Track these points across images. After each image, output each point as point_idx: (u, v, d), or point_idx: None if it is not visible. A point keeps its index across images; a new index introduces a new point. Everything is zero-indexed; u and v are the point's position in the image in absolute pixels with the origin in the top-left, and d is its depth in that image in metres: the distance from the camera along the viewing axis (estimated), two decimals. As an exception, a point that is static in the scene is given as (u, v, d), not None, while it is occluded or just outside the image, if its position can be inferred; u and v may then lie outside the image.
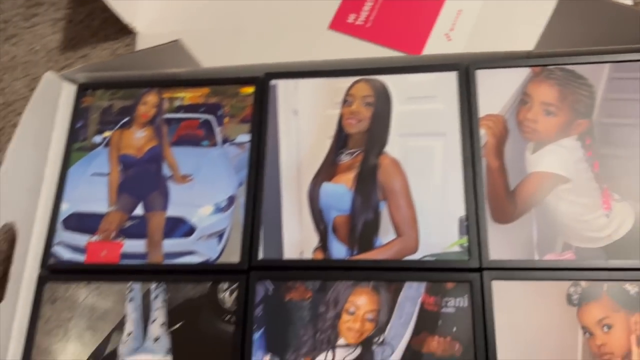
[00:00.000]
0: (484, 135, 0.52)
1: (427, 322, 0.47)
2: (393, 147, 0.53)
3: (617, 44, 0.52)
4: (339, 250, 0.51)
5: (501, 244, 0.49)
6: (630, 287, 0.46)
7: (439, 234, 0.50)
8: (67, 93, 0.61)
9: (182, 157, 0.56)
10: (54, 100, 0.59)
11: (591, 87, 0.52)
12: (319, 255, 0.51)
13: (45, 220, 0.56)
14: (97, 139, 0.59)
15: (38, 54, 0.81)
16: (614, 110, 0.51)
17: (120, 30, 0.79)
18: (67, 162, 0.58)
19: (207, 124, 0.57)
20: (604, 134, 0.50)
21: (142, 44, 0.74)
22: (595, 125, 0.51)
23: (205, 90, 0.59)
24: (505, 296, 0.47)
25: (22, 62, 0.81)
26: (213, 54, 0.65)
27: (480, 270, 0.48)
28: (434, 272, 0.49)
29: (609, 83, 0.52)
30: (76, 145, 0.59)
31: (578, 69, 0.53)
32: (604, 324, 0.45)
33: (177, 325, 0.50)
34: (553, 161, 0.50)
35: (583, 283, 0.46)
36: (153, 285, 0.52)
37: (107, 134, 0.59)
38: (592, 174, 0.49)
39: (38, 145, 0.57)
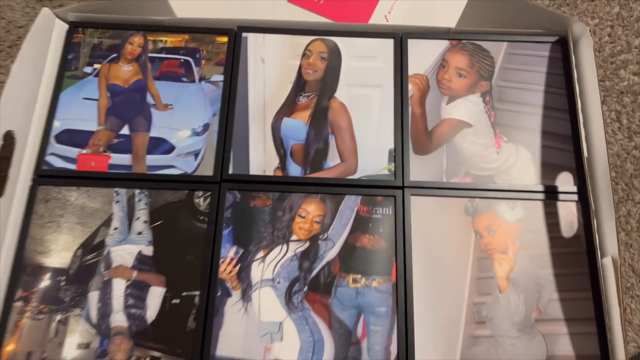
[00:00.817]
0: (411, 89, 0.67)
1: (360, 225, 0.61)
2: (341, 94, 0.67)
3: (513, 28, 0.69)
4: (294, 170, 0.64)
5: (419, 169, 0.63)
6: (511, 204, 0.62)
7: (373, 160, 0.64)
8: (60, 29, 0.69)
9: (164, 90, 0.67)
10: (48, 32, 0.67)
11: (492, 58, 0.68)
12: (279, 173, 0.63)
13: (38, 134, 0.64)
14: (88, 69, 0.67)
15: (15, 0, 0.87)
16: (508, 77, 0.67)
17: (97, -16, 0.87)
18: (59, 86, 0.66)
19: (186, 64, 0.68)
20: (499, 94, 0.67)
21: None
22: (494, 87, 0.67)
23: (185, 36, 0.70)
24: (420, 207, 0.62)
25: (-2, 4, 0.87)
26: (187, 8, 0.75)
27: (402, 188, 0.63)
28: (368, 188, 0.63)
29: (506, 56, 0.68)
30: (68, 73, 0.67)
31: (484, 44, 0.69)
32: (491, 229, 0.61)
33: (158, 223, 0.61)
34: (461, 111, 0.66)
35: (477, 200, 0.62)
36: (137, 191, 0.62)
37: (97, 66, 0.68)
38: (489, 122, 0.65)
39: (34, 69, 0.65)
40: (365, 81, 0.67)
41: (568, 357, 0.56)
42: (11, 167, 0.61)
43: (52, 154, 0.63)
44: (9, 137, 0.61)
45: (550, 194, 0.62)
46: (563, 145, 0.64)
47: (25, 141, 0.63)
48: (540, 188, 0.62)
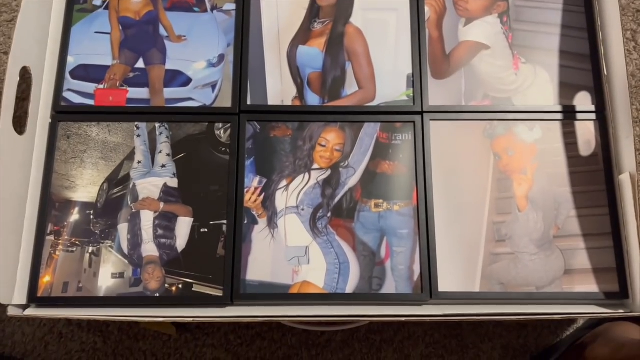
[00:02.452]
0: (428, 11, 0.66)
1: (381, 151, 0.61)
2: (357, 19, 0.65)
3: (531, -55, 0.67)
4: (313, 99, 0.63)
5: (438, 94, 0.63)
6: (529, 125, 0.62)
7: (391, 86, 0.64)
8: (64, -40, 0.67)
9: (176, 21, 0.66)
10: (53, -35, 0.65)
11: (510, -23, 0.66)
12: (297, 103, 0.63)
13: (53, 71, 0.63)
14: (97, 2, 0.66)
15: None
16: (525, -4, 0.66)
17: None
18: (69, 21, 0.65)
19: (197, -7, 0.67)
20: (517, 14, 0.65)
21: None
22: (511, 7, 0.66)
23: (194, -36, 0.68)
24: (440, 132, 0.62)
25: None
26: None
27: (421, 113, 0.63)
28: (387, 115, 0.63)
29: (523, -26, 0.67)
30: (77, 6, 0.66)
31: (501, -38, 0.67)
32: (509, 150, 0.62)
33: (181, 155, 0.62)
34: (478, 33, 0.65)
35: (495, 122, 0.62)
36: (158, 124, 0.62)
37: (106, -2, 0.66)
38: (507, 43, 0.65)
39: (42, 4, 0.63)
40: (380, 5, 0.66)
41: (585, 270, 0.58)
42: (30, 104, 0.61)
43: (69, 90, 0.63)
44: (26, 73, 0.60)
45: (568, 114, 0.63)
46: (581, 64, 0.64)
47: (41, 78, 0.63)
48: (559, 108, 0.63)
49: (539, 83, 0.64)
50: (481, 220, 0.60)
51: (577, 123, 0.62)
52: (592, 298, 0.58)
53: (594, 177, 0.61)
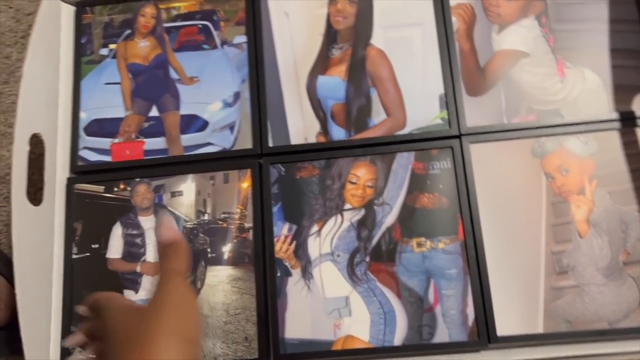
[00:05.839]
0: (456, 22, 0.60)
1: (417, 183, 0.56)
2: (377, 39, 0.60)
3: None
4: (338, 133, 0.59)
5: (476, 113, 0.57)
6: (582, 138, 0.56)
7: (423, 110, 0.58)
8: (67, 13, 0.64)
9: (186, 61, 0.62)
10: (56, 19, 0.63)
11: (545, -28, 0.59)
12: (322, 139, 0.59)
13: (67, 130, 0.61)
14: (104, 51, 0.63)
15: (18, -16, 0.82)
16: (565, -8, 0.59)
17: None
18: (78, 75, 0.62)
19: (205, 29, 0.63)
20: (556, 13, 0.58)
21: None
22: (549, 6, 0.59)
23: (199, -2, 0.64)
24: (481, 155, 0.56)
25: (2, -8, 0.82)
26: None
27: (459, 136, 0.57)
28: (421, 142, 0.57)
29: (561, -32, 0.59)
30: (85, 59, 0.63)
31: (534, -43, 0.60)
32: (563, 169, 0.55)
33: (204, 208, 0.58)
34: (515, 39, 0.58)
35: (544, 138, 0.56)
36: (177, 176, 0.59)
37: (112, 46, 0.63)
38: (548, 48, 0.58)
39: (49, 62, 0.61)
40: (402, 21, 0.60)
41: (663, 299, 0.51)
42: (45, 172, 0.58)
43: (85, 147, 0.60)
44: (37, 140, 0.58)
45: (627, 121, 0.55)
46: (636, 61, 0.57)
47: (55, 141, 0.60)
48: (615, 115, 0.56)
49: (589, 89, 0.57)
50: (538, 251, 0.54)
51: (638, 130, 0.55)
52: (675, 330, 0.51)
53: (664, 191, 0.54)
